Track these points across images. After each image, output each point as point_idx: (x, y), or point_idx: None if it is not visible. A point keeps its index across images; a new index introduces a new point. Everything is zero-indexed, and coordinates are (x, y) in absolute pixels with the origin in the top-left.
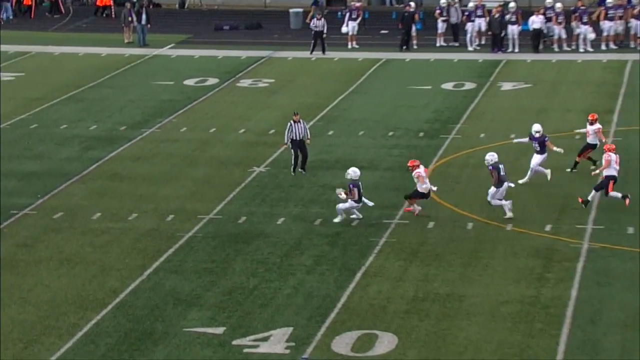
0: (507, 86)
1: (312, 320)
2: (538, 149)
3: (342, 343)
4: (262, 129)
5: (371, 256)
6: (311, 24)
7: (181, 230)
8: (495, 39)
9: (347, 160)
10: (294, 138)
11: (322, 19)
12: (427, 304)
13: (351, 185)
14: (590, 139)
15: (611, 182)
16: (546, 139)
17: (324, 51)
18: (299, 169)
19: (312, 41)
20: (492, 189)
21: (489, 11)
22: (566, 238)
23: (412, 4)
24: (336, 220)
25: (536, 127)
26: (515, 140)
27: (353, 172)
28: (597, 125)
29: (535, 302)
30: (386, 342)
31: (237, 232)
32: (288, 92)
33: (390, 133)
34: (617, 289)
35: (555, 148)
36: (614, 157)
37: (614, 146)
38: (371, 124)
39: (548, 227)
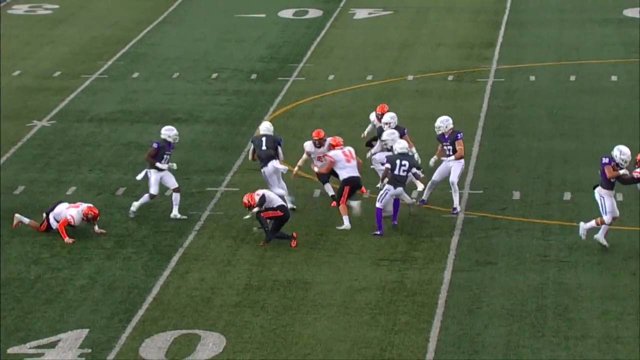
0: (361, 13)
1: (115, 318)
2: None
3: (154, 347)
4: (44, 70)
5: (191, 235)
6: None
7: None
8: None
9: (157, 110)
10: None
11: None
12: (263, 294)
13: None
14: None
15: (347, 189)
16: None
17: None
18: None
19: None
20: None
21: None
22: (437, 206)
23: None
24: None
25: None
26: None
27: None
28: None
29: (400, 289)
30: (211, 344)
31: (12, 206)
32: (77, 22)
33: (214, 75)
34: (500, 269)
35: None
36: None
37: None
38: (189, 64)
39: (414, 193)
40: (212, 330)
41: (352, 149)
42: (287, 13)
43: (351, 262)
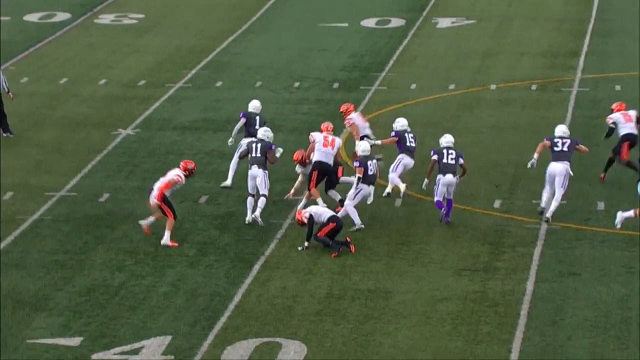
0: (444, 23)
1: (197, 326)
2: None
3: (236, 355)
4: (129, 79)
5: (272, 243)
6: None
7: (23, 211)
8: None
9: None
10: None
11: None
12: (345, 303)
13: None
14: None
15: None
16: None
17: None
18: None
19: None
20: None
21: None
22: (520, 217)
23: None
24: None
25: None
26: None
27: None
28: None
29: (482, 299)
30: (292, 352)
31: (97, 213)
32: (162, 32)
33: (296, 84)
34: (584, 280)
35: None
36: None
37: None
38: (271, 73)
39: (497, 204)
40: (294, 339)
41: (337, 140)
42: (369, 22)
43: (432, 272)
